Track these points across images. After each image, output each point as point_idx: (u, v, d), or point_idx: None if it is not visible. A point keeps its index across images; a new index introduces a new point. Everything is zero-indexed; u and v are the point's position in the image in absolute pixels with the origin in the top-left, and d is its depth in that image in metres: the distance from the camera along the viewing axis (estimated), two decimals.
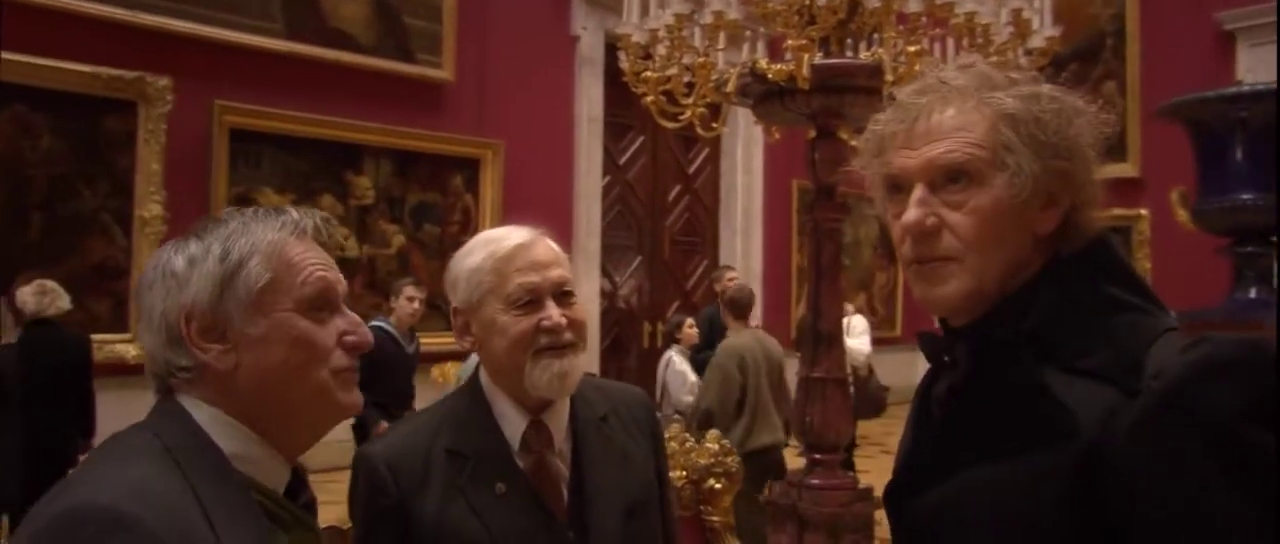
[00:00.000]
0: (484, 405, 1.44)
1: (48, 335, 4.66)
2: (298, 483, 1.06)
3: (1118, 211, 8.61)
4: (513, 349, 1.38)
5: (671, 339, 5.93)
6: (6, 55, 5.42)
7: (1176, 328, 0.88)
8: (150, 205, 5.96)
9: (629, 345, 8.96)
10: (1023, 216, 0.94)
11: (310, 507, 1.08)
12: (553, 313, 1.39)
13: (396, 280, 5.82)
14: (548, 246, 1.45)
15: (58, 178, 5.74)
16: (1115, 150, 8.74)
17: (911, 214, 0.96)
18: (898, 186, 1.00)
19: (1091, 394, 0.85)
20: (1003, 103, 0.94)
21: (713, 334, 5.79)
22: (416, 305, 5.41)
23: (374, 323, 5.07)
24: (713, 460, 2.43)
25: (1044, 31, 2.84)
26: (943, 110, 0.96)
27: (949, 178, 0.95)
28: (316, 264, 1.02)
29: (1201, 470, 0.76)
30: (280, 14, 6.55)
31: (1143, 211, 8.55)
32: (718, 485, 2.42)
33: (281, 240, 1.01)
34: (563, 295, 1.42)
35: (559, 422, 1.46)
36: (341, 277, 1.05)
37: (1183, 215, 3.06)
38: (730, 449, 2.46)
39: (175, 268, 0.99)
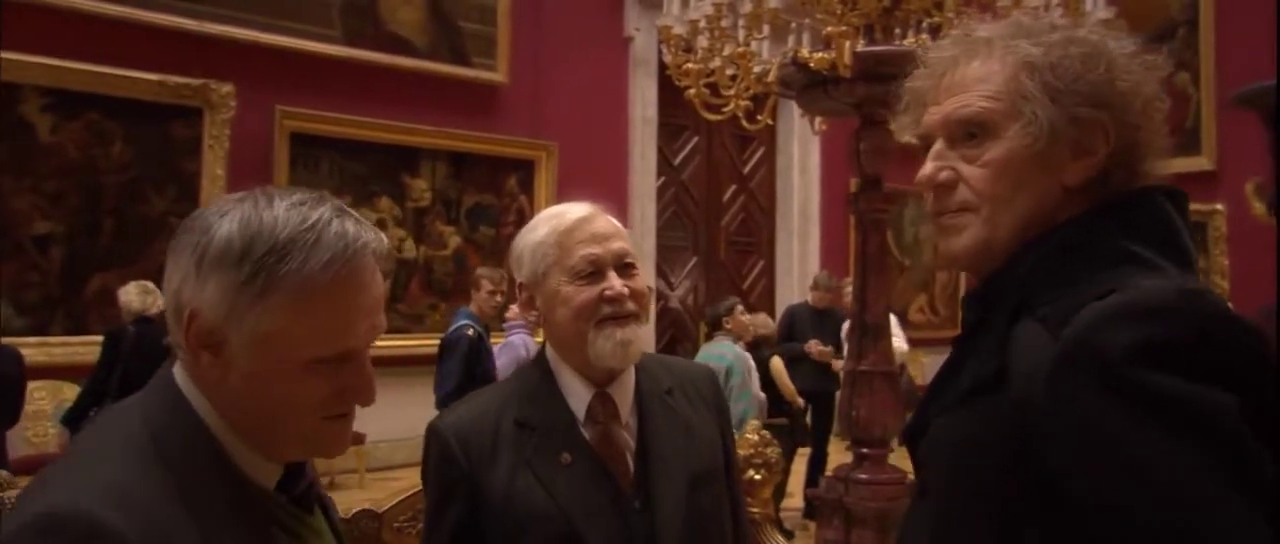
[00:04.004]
0: (550, 378, 1.47)
1: (150, 333, 4.85)
2: (297, 471, 1.00)
3: (1193, 207, 8.26)
4: (576, 319, 1.41)
5: (718, 326, 5.54)
6: (82, 66, 5.66)
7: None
8: None
9: (683, 346, 8.94)
10: (1045, 166, 0.92)
11: (308, 496, 1.02)
12: (615, 282, 1.41)
13: (476, 270, 5.29)
14: (608, 220, 1.49)
15: (129, 183, 5.96)
16: (1189, 143, 8.40)
17: (926, 168, 0.97)
18: (928, 144, 1.00)
19: (1037, 342, 0.85)
20: (1024, 51, 0.93)
21: (792, 332, 6.17)
22: (498, 298, 4.96)
23: (460, 320, 4.87)
24: (752, 451, 2.40)
25: (1098, 12, 2.74)
26: (968, 63, 0.97)
27: (966, 132, 0.95)
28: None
29: (1091, 410, 0.77)
30: (338, 20, 6.70)
31: (1219, 206, 8.19)
32: (758, 476, 2.39)
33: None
34: (624, 266, 1.45)
35: (624, 393, 1.48)
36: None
37: (1259, 208, 2.92)
38: (770, 440, 2.43)
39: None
